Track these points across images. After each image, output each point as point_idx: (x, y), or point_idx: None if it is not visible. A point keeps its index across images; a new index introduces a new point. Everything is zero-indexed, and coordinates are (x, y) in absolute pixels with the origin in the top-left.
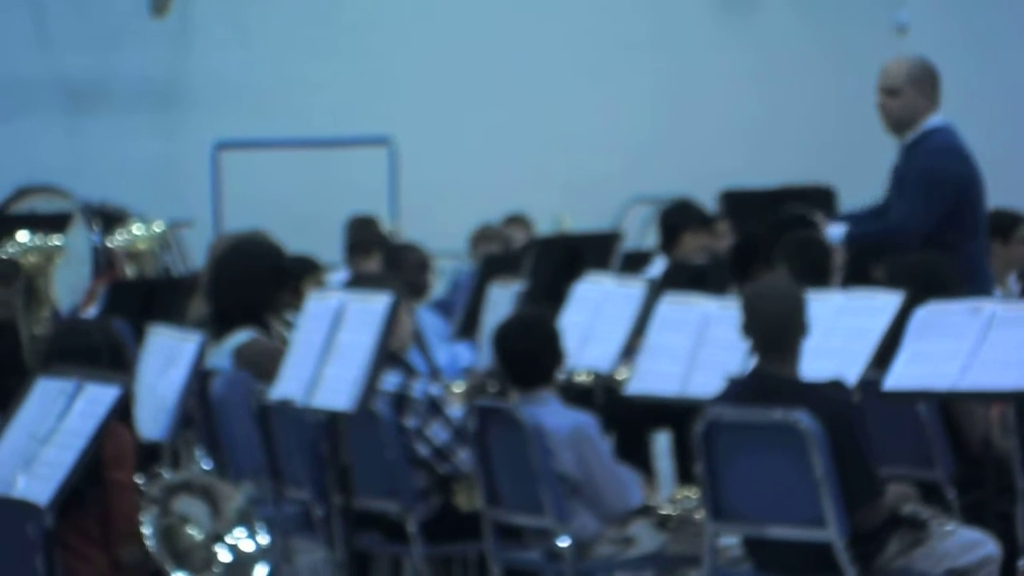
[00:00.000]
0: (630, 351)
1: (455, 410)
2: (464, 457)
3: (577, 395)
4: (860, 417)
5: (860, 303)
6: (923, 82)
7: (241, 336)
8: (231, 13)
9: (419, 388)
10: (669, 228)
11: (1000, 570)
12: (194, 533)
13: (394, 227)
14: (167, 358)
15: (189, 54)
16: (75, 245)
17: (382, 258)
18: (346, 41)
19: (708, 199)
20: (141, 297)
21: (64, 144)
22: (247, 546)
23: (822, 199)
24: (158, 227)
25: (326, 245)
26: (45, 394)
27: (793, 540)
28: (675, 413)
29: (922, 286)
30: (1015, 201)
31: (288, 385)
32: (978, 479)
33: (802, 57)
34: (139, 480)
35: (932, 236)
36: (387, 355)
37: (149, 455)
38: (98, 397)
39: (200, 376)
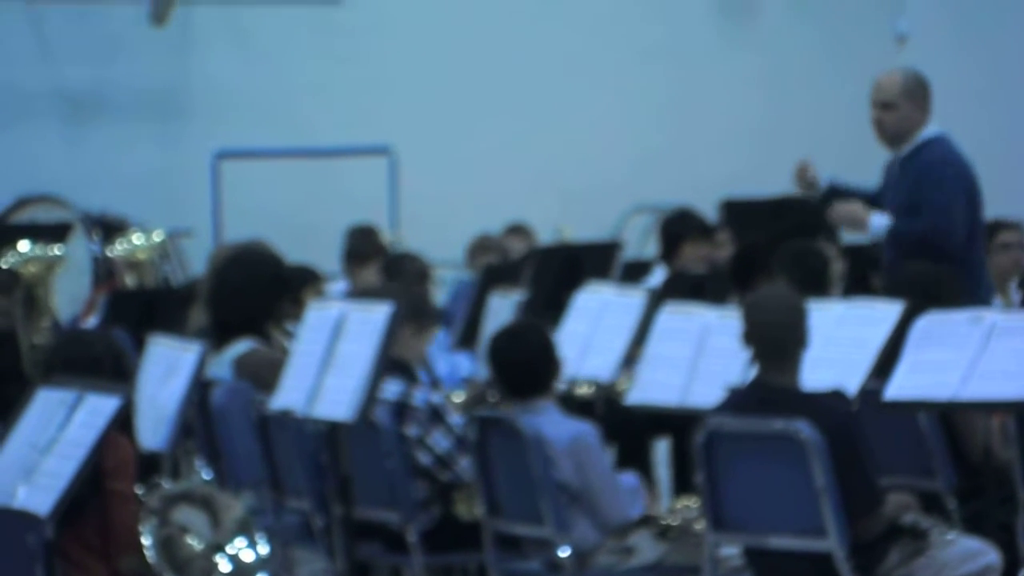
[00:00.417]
0: (630, 361)
1: (456, 418)
2: (465, 465)
3: (578, 406)
4: (860, 427)
5: (861, 313)
6: (916, 94)
7: (241, 346)
8: (231, 23)
9: (420, 396)
10: (669, 237)
11: None
12: (194, 543)
13: (394, 237)
14: (167, 368)
15: (189, 64)
16: (75, 255)
17: (380, 267)
18: (346, 51)
19: (708, 208)
20: (141, 307)
21: (64, 154)
22: (247, 556)
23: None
24: (158, 237)
25: (326, 255)
26: (46, 404)
27: (794, 550)
28: (675, 423)
29: (922, 296)
30: (1015, 208)
31: (288, 395)
32: (979, 489)
33: (803, 66)
34: (139, 490)
35: (930, 246)
36: (393, 363)
37: (149, 465)
38: (99, 408)
39: (200, 386)
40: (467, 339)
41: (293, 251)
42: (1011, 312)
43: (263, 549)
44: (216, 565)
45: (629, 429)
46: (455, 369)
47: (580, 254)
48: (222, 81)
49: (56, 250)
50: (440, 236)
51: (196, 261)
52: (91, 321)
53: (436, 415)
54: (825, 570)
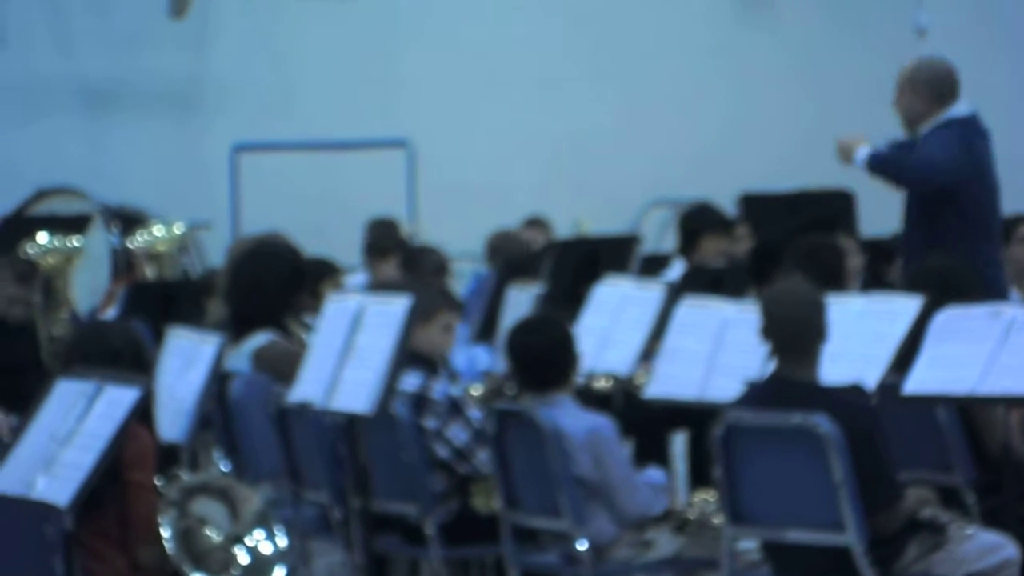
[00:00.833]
0: (648, 354)
1: (475, 412)
2: (484, 458)
3: (596, 399)
4: (879, 421)
5: (880, 307)
6: (919, 84)
7: (260, 338)
8: (250, 15)
9: (439, 389)
10: (688, 231)
11: (1020, 574)
12: (212, 535)
13: (412, 230)
14: (186, 360)
15: (208, 56)
16: (94, 247)
17: (399, 261)
18: (365, 44)
19: (727, 202)
20: (160, 299)
21: (83, 146)
22: (265, 548)
23: (841, 203)
24: (178, 229)
25: (344, 247)
26: (65, 395)
27: (812, 544)
28: (693, 416)
29: (941, 290)
30: None
31: (307, 387)
32: (997, 484)
33: (822, 60)
34: (158, 482)
35: (947, 239)
36: (415, 356)
37: (168, 457)
38: (118, 399)
39: (219, 378)
40: (485, 332)
41: (311, 244)
42: None
43: (281, 541)
44: (234, 557)
45: (647, 423)
46: (473, 362)
47: (598, 247)
48: (241, 74)
49: (75, 242)
50: (458, 229)
51: (214, 253)
52: (110, 313)
53: (455, 408)
54: (843, 564)
